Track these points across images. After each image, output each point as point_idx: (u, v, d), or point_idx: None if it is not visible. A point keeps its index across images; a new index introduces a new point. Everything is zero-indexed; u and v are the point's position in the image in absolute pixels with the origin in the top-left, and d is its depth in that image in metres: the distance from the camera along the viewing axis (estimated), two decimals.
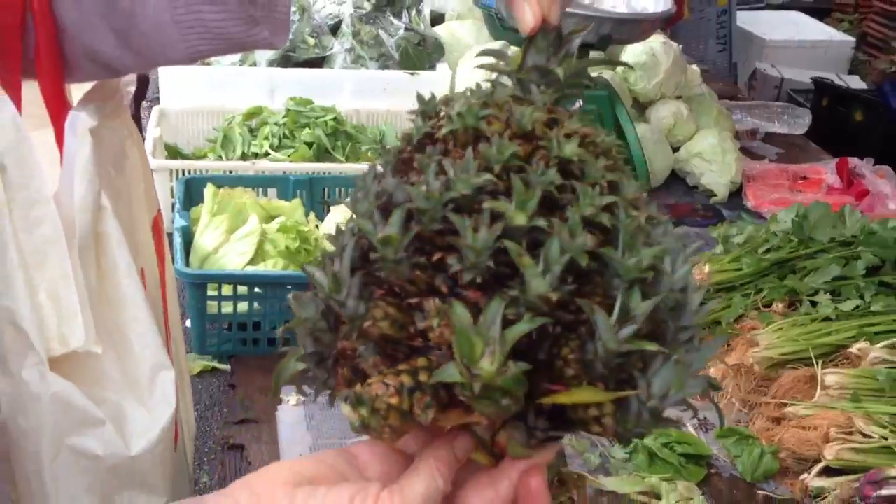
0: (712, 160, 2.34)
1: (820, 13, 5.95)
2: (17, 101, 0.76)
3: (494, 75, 0.71)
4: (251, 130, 2.09)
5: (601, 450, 1.48)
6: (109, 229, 0.83)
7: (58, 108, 0.80)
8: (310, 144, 2.01)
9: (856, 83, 4.63)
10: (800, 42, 5.05)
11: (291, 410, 1.49)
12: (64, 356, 0.80)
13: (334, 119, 2.07)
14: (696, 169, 2.37)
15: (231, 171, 1.92)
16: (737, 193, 2.35)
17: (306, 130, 2.03)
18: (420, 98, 0.67)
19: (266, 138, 2.03)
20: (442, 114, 0.64)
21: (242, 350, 1.61)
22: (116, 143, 0.85)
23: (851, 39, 5.28)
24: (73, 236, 0.80)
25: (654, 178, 2.35)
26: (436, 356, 0.58)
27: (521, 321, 0.55)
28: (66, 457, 0.81)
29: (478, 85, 0.68)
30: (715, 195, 2.33)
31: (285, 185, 1.84)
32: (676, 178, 2.43)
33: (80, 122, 0.79)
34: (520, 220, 0.57)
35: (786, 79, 4.60)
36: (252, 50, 0.87)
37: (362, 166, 2.03)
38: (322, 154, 2.02)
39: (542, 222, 0.56)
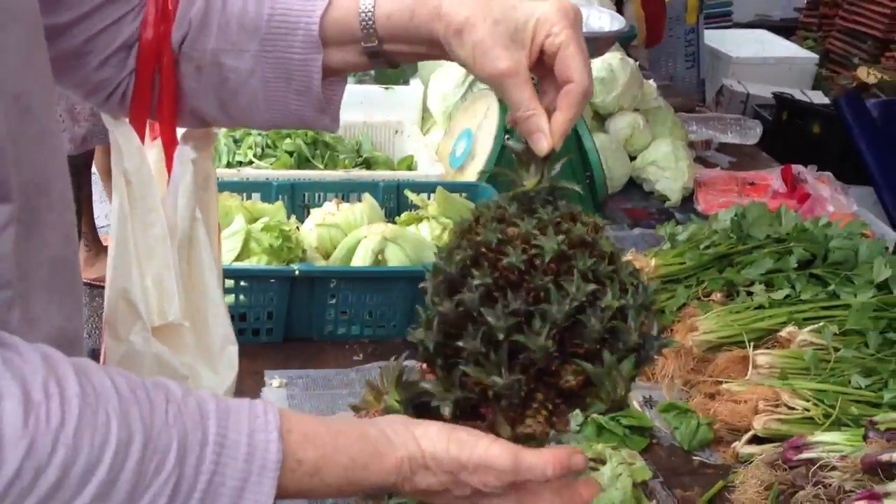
0: (666, 167, 2.51)
1: (786, 31, 6.16)
2: (141, 135, 1.03)
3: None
4: (236, 141, 2.26)
5: None
6: (199, 234, 1.09)
7: (170, 143, 1.05)
8: (290, 153, 2.17)
9: (819, 98, 4.84)
10: (765, 59, 5.24)
11: (275, 391, 1.64)
12: (161, 327, 1.06)
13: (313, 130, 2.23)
14: (651, 176, 2.55)
15: (218, 178, 2.07)
16: (689, 198, 2.53)
17: (287, 140, 2.19)
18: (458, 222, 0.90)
19: (250, 147, 2.19)
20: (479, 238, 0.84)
21: None
22: (205, 169, 1.10)
23: (815, 56, 5.48)
24: (175, 237, 1.06)
25: (612, 184, 2.53)
26: None
27: None
28: None
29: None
30: (669, 200, 2.51)
31: (268, 191, 2.00)
32: (634, 185, 2.61)
33: (184, 154, 1.06)
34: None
35: (751, 94, 4.80)
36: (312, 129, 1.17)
37: (340, 173, 2.20)
38: (302, 162, 2.18)
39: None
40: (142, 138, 1.03)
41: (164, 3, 0.98)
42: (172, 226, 1.06)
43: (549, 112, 0.89)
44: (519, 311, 0.81)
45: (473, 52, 0.87)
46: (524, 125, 0.88)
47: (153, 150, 1.07)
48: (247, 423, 0.74)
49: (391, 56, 0.97)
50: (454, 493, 0.82)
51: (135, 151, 1.03)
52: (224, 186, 1.97)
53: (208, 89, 1.01)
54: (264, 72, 0.98)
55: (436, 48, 0.93)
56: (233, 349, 1.13)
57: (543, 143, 0.88)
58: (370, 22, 0.93)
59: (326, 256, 1.92)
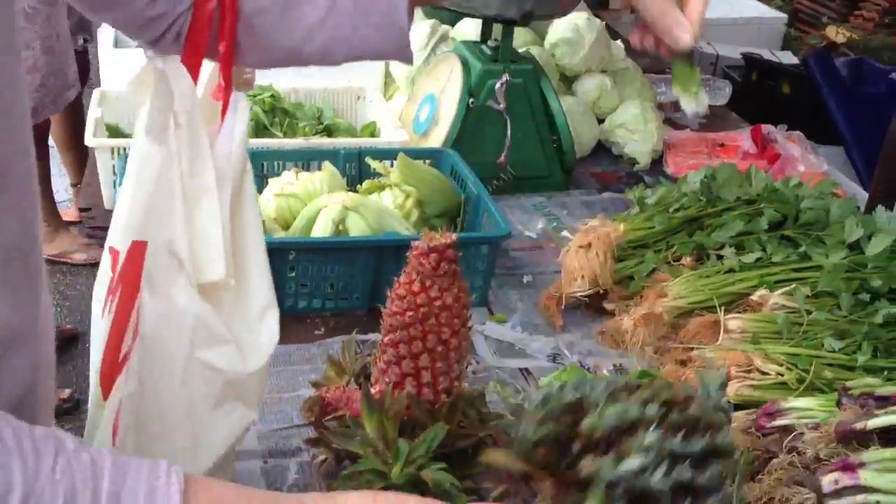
0: (635, 130, 2.46)
1: None
2: (195, 77, 0.97)
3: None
4: None
5: (523, 395, 1.60)
6: (248, 188, 1.04)
7: (226, 87, 1.00)
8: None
9: (788, 58, 4.80)
10: (734, 20, 5.18)
11: None
12: (204, 284, 1.00)
13: (271, 97, 2.16)
14: (619, 139, 2.49)
15: None
16: (658, 161, 2.48)
17: None
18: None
19: None
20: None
21: None
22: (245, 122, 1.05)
23: (783, 16, 5.44)
24: (226, 188, 1.00)
25: (580, 148, 2.47)
26: None
27: None
28: (195, 367, 1.00)
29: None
30: (638, 163, 2.46)
31: None
32: (602, 149, 2.56)
33: (240, 100, 1.01)
34: None
35: (721, 55, 4.76)
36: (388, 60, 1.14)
37: (299, 141, 2.13)
38: (260, 130, 2.11)
39: None
40: (195, 80, 0.98)
41: None
42: (222, 176, 1.00)
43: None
44: None
45: None
46: (662, 22, 0.91)
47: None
48: (145, 483, 0.69)
49: None
50: None
51: (188, 93, 0.96)
52: None
53: (280, 26, 0.98)
54: (345, 5, 0.96)
55: None
56: (274, 315, 1.08)
57: (686, 36, 0.91)
58: None
59: (286, 227, 1.86)
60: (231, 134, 1.02)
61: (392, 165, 1.97)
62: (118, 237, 1.02)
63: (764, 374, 1.56)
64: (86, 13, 1.04)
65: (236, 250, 1.05)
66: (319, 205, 1.78)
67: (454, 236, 1.36)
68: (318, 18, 0.98)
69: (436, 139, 2.17)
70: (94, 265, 1.12)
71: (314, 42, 1.00)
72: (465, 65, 2.18)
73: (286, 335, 1.69)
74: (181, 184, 0.97)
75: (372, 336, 1.69)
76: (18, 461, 0.65)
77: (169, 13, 0.96)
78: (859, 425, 1.25)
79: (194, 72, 0.98)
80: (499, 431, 1.43)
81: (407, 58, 1.04)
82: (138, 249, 0.98)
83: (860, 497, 1.19)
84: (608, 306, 1.84)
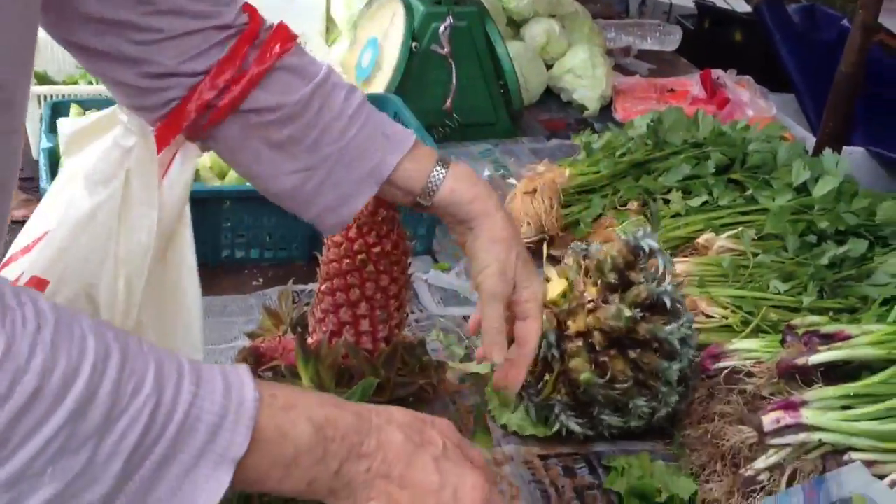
0: (583, 75, 2.42)
1: None
2: (161, 144, 1.01)
3: None
4: None
5: (467, 343, 1.57)
6: (185, 235, 1.07)
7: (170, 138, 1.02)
8: None
9: (741, 6, 4.78)
10: None
11: None
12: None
13: None
14: (568, 85, 2.45)
15: (100, 95, 1.92)
16: (608, 107, 2.45)
17: None
18: None
19: None
20: None
21: None
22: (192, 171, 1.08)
23: None
24: (161, 236, 1.04)
25: (529, 95, 2.43)
26: None
27: None
28: None
29: None
30: (587, 109, 2.42)
31: None
32: (551, 95, 2.52)
33: (190, 152, 1.05)
34: None
35: (674, 4, 4.72)
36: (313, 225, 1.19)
37: None
38: None
39: None
40: (160, 147, 1.01)
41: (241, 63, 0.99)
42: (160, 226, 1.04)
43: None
44: None
45: (488, 261, 1.07)
46: (489, 334, 1.07)
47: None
48: (217, 366, 0.72)
49: (432, 211, 1.09)
50: (418, 456, 0.79)
51: (147, 157, 1.00)
52: (106, 103, 1.81)
53: (254, 152, 1.04)
54: (319, 173, 1.05)
55: (463, 230, 1.09)
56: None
57: (496, 355, 1.07)
58: (435, 188, 1.06)
59: (222, 177, 1.79)
60: (174, 183, 1.04)
61: None
62: (18, 267, 1.02)
63: (709, 317, 1.54)
64: (88, 66, 1.03)
65: (165, 294, 1.06)
66: None
67: None
68: (291, 170, 1.04)
69: (379, 85, 2.12)
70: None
71: (277, 184, 1.06)
72: (408, 7, 2.12)
73: (222, 287, 1.66)
74: (117, 237, 1.00)
75: (311, 286, 1.64)
76: (111, 332, 0.66)
77: (173, 88, 0.98)
78: (801, 361, 1.24)
79: (162, 143, 1.01)
80: (440, 379, 1.40)
81: (328, 233, 1.16)
82: (38, 286, 0.98)
83: (802, 436, 1.18)
84: (555, 253, 1.81)
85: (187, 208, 1.07)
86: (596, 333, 1.29)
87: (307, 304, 1.43)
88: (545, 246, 1.78)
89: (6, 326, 0.60)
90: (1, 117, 0.72)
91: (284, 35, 1.02)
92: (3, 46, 0.69)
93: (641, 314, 1.28)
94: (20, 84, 0.74)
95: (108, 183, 0.99)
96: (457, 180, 1.07)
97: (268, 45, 1.00)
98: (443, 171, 1.07)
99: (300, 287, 1.61)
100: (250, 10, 1.02)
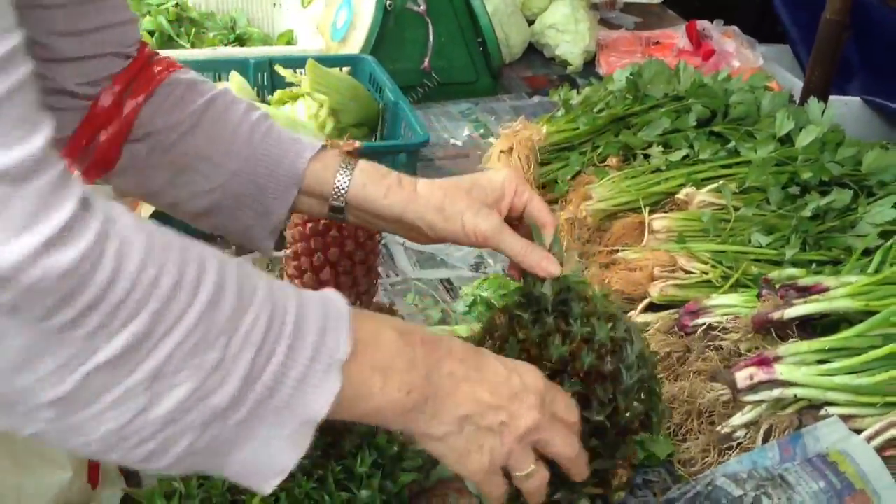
0: (566, 30, 2.37)
1: None
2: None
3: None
4: None
5: (443, 306, 1.54)
6: None
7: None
8: (151, 32, 1.97)
9: None
10: None
11: None
12: None
13: (177, 6, 2.03)
14: (551, 40, 2.40)
15: None
16: (592, 63, 2.40)
17: (147, 18, 1.99)
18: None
19: None
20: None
21: None
22: None
23: None
24: None
25: (511, 51, 2.38)
26: None
27: None
28: None
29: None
30: (570, 65, 2.37)
31: None
32: (534, 51, 2.46)
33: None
34: None
35: None
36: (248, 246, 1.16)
37: (206, 51, 2.01)
38: (165, 42, 1.99)
39: None
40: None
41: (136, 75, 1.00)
42: None
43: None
44: None
45: (458, 222, 0.98)
46: (526, 262, 0.99)
47: None
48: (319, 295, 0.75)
49: (354, 218, 1.05)
50: (482, 356, 0.85)
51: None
52: None
53: (165, 178, 1.03)
54: (234, 186, 1.03)
55: (403, 227, 1.03)
56: None
57: (552, 267, 0.99)
58: (345, 187, 1.02)
59: None
60: None
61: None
62: None
63: (688, 272, 1.51)
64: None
65: None
66: None
67: (356, 143, 1.28)
68: (206, 188, 1.03)
69: (354, 45, 2.07)
70: None
71: (196, 205, 1.05)
72: None
73: None
74: None
75: (284, 252, 1.61)
76: (214, 259, 0.67)
77: (70, 111, 0.98)
78: (776, 315, 1.21)
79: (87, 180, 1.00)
80: None
81: (264, 251, 1.11)
82: None
83: (777, 391, 1.15)
84: None
85: None
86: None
87: (281, 270, 1.40)
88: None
89: (142, 226, 0.63)
90: None
91: (172, 62, 1.05)
92: None
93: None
94: None
95: None
96: (365, 175, 1.03)
97: (158, 64, 1.03)
98: (349, 169, 1.03)
99: (276, 254, 1.57)
100: (142, 43, 1.05)
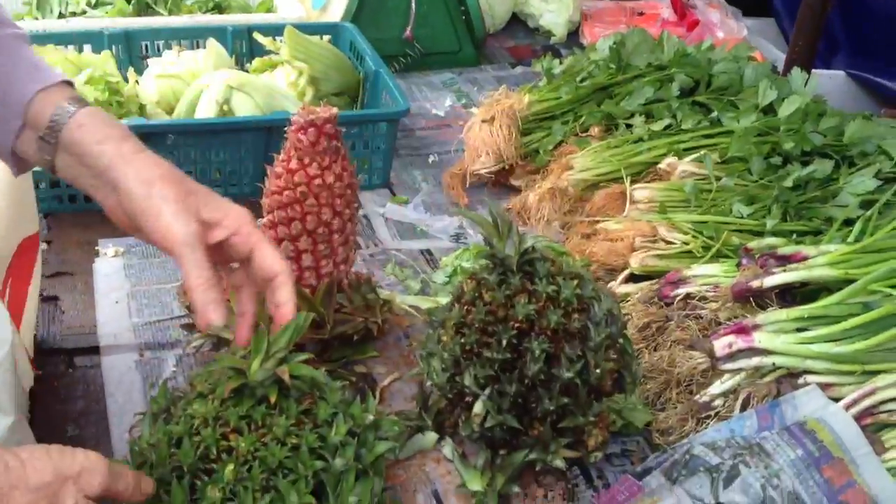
0: (550, 0, 2.34)
1: None
2: None
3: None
4: None
5: (423, 276, 1.53)
6: None
7: None
8: (128, 0, 1.94)
9: None
10: None
11: (109, 262, 1.48)
12: None
13: None
14: (535, 11, 2.38)
15: (45, 31, 1.85)
16: (576, 33, 2.38)
17: None
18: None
19: None
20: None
21: (59, 207, 1.58)
22: None
23: None
24: None
25: (495, 22, 2.36)
26: None
27: None
28: None
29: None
30: (554, 35, 2.35)
31: (100, 41, 1.78)
32: (518, 21, 2.44)
33: None
34: None
35: None
36: None
37: (183, 18, 1.98)
38: (143, 10, 1.96)
39: None
40: None
41: None
42: None
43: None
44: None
45: (157, 208, 0.88)
46: (196, 294, 0.88)
47: None
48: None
49: (63, 166, 0.94)
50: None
51: None
52: (50, 39, 1.76)
53: None
54: None
55: (105, 187, 0.92)
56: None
57: (214, 317, 0.88)
58: (61, 122, 0.91)
59: (170, 112, 1.73)
60: None
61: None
62: None
63: (669, 243, 1.50)
64: None
65: None
66: (202, 85, 1.66)
67: (334, 110, 1.26)
68: None
69: (335, 13, 2.04)
70: None
71: None
72: None
73: None
74: None
75: (260, 221, 1.59)
76: None
77: None
78: (756, 283, 1.20)
79: None
80: (385, 317, 1.36)
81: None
82: None
83: (755, 360, 1.15)
84: (515, 182, 1.76)
85: None
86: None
87: None
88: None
89: None
90: None
91: None
92: None
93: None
94: None
95: None
96: (90, 118, 0.92)
97: None
98: (74, 107, 0.93)
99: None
100: None
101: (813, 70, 2.07)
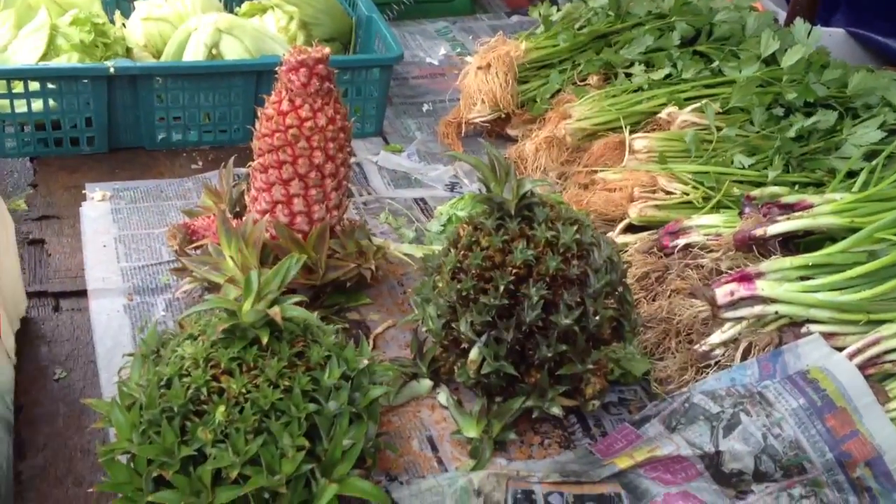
0: None
1: None
2: None
3: None
4: None
5: (417, 225, 1.50)
6: None
7: None
8: None
9: None
10: None
11: (96, 206, 1.44)
12: None
13: None
14: None
15: None
16: None
17: None
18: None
19: None
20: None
21: (45, 151, 1.54)
22: None
23: None
24: None
25: None
26: None
27: None
28: None
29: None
30: None
31: None
32: None
33: None
34: None
35: None
36: None
37: None
38: None
39: None
40: None
41: None
42: None
43: None
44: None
45: None
46: None
47: None
48: None
49: None
50: None
51: None
52: None
53: None
54: None
55: None
56: None
57: None
58: None
59: (157, 56, 1.69)
60: None
61: None
62: None
63: (669, 193, 1.47)
64: None
65: None
66: (190, 28, 1.61)
67: (327, 49, 1.22)
68: None
69: None
70: None
71: None
72: None
73: (160, 170, 1.57)
74: None
75: (250, 165, 1.55)
76: None
77: None
78: (759, 232, 1.17)
79: None
80: (378, 264, 1.33)
81: None
82: None
83: (758, 308, 1.13)
84: (512, 132, 1.72)
85: None
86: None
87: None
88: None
89: None
90: None
91: None
92: None
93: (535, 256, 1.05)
94: None
95: None
96: None
97: None
98: None
99: (241, 170, 1.52)
100: None
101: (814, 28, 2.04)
